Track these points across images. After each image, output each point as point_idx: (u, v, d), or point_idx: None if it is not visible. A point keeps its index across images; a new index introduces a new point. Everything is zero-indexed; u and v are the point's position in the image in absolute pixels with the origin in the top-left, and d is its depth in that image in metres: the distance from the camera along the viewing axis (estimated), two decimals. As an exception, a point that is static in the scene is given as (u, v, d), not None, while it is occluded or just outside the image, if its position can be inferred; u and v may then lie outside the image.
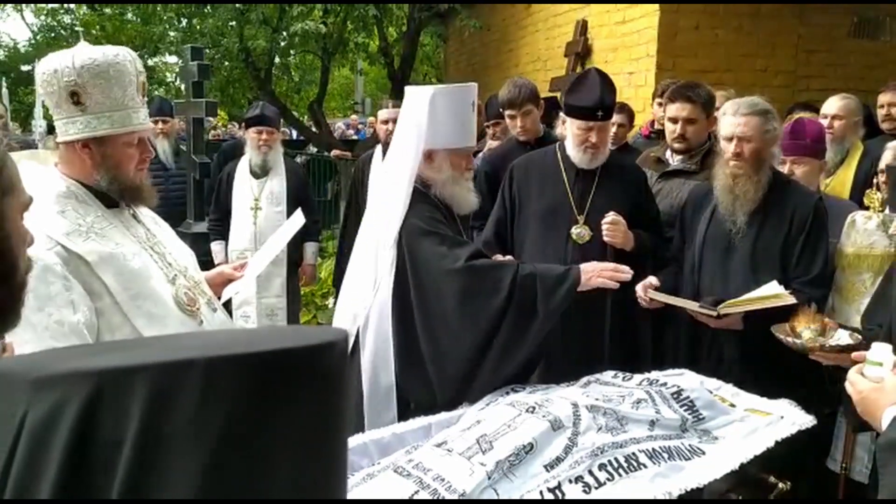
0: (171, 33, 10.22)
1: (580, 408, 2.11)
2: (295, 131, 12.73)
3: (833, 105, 4.07)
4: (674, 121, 3.43)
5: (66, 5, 16.89)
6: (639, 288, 2.85)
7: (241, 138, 5.96)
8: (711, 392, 2.36)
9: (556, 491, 1.85)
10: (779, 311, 2.54)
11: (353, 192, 5.09)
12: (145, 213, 2.10)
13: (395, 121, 4.69)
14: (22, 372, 0.61)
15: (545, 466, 1.92)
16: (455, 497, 1.78)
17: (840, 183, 3.88)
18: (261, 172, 4.92)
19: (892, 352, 1.79)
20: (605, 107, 3.00)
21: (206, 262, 3.18)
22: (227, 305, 3.25)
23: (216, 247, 5.01)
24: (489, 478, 1.84)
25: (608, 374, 2.50)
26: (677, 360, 2.78)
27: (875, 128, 4.42)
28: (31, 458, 0.58)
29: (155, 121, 5.13)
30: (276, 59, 11.18)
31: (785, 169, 3.12)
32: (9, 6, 21.10)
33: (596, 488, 1.88)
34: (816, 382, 2.58)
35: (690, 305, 2.74)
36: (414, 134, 2.61)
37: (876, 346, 1.83)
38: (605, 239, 3.02)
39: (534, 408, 2.10)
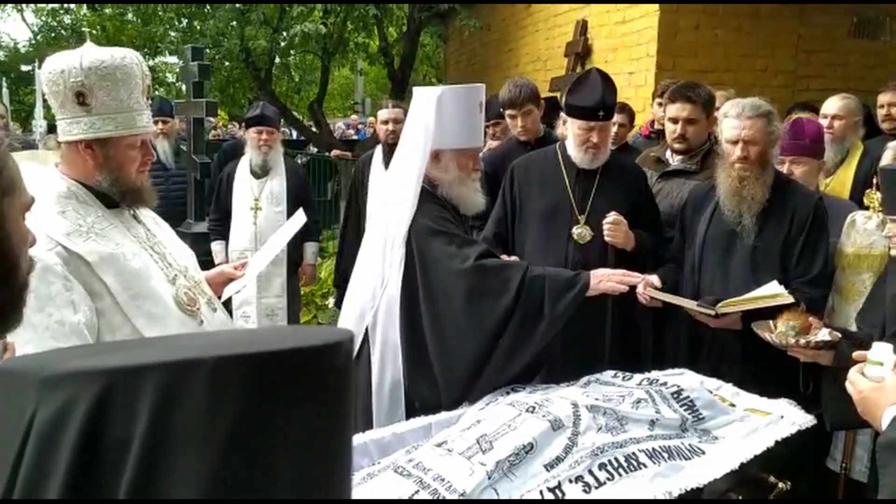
0: (172, 33, 10.21)
1: (580, 407, 2.11)
2: (295, 131, 12.72)
3: (833, 105, 4.07)
4: (674, 121, 3.43)
5: (66, 5, 16.87)
6: (639, 286, 2.85)
7: (242, 138, 5.96)
8: (711, 392, 2.36)
9: (556, 491, 1.85)
10: (778, 310, 2.55)
11: (353, 193, 5.08)
12: (145, 214, 2.10)
13: (395, 121, 4.73)
14: (30, 371, 0.61)
15: (545, 466, 1.92)
16: (455, 497, 1.79)
17: (840, 183, 3.88)
18: (261, 172, 4.92)
19: (892, 351, 1.80)
20: (606, 107, 3.00)
21: (206, 262, 3.17)
22: (227, 305, 3.26)
23: (216, 247, 5.01)
24: (489, 478, 1.85)
25: (608, 374, 2.50)
26: (677, 360, 2.79)
27: (875, 128, 4.42)
28: (40, 458, 0.58)
29: (155, 121, 5.12)
30: (277, 60, 11.18)
31: (784, 169, 3.12)
32: (9, 6, 21.09)
33: (596, 488, 1.88)
34: (816, 382, 2.58)
35: (689, 304, 2.75)
36: (422, 134, 2.61)
37: (876, 345, 1.83)
38: (607, 239, 3.02)
39: (534, 408, 2.11)
